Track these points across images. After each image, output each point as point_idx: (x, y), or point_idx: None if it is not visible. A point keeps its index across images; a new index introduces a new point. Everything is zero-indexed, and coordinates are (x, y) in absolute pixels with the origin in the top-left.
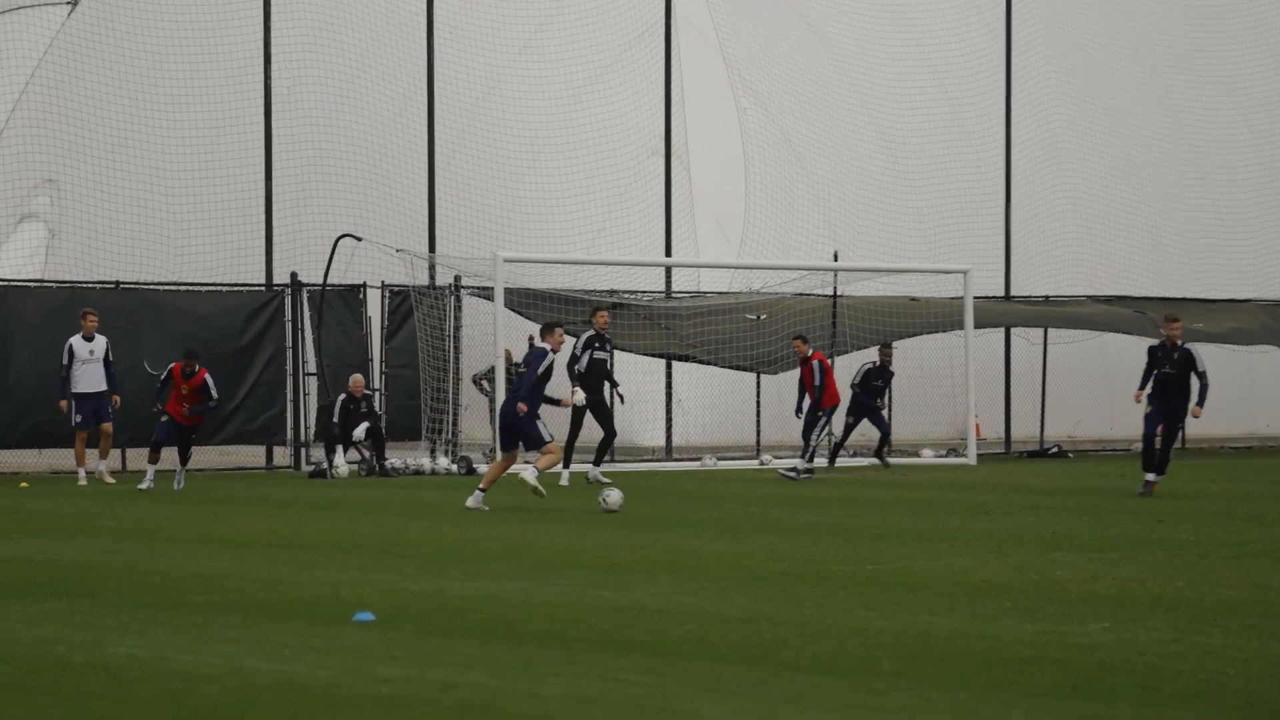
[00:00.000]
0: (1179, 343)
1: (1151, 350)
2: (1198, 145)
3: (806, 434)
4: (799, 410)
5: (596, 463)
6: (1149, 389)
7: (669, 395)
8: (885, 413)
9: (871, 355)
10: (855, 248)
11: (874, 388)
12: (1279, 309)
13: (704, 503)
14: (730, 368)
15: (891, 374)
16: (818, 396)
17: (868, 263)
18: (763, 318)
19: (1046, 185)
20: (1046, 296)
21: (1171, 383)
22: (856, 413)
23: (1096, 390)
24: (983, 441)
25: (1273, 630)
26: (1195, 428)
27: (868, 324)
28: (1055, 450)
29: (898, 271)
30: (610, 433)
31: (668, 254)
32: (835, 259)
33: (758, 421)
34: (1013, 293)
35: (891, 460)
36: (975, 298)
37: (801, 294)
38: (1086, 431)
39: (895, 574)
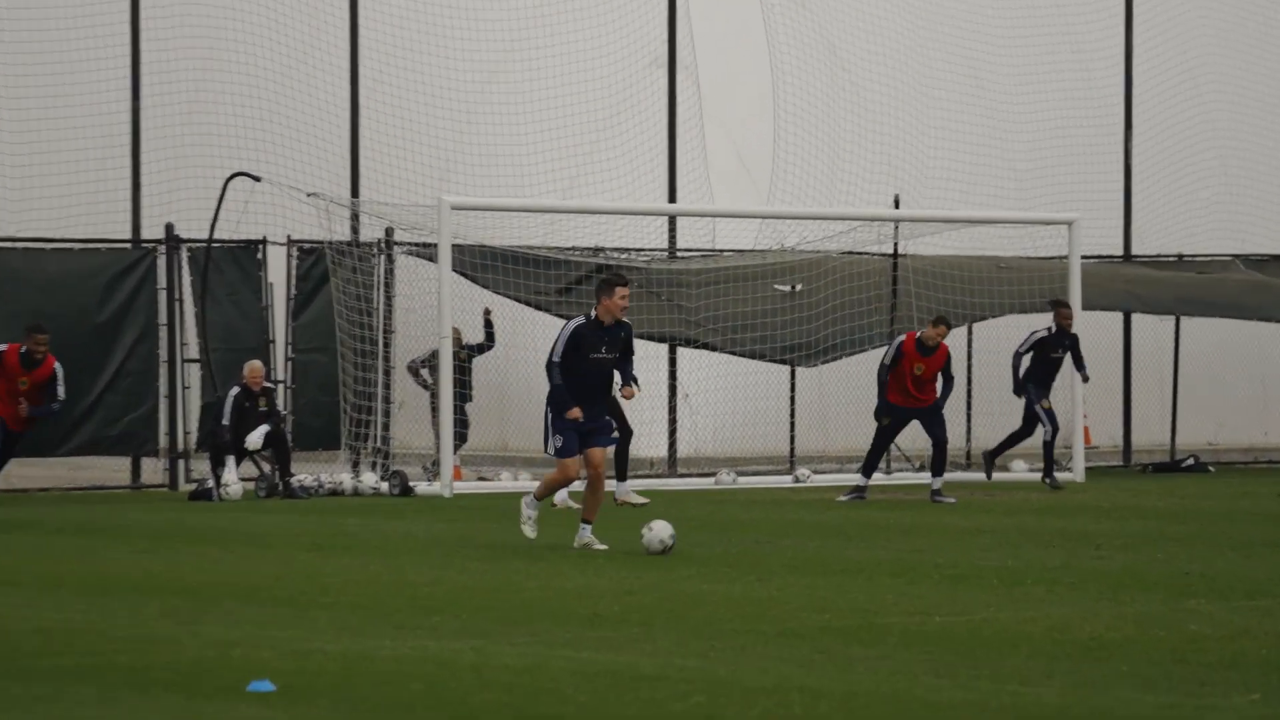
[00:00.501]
0: None
1: None
2: None
3: (943, 433)
4: (884, 412)
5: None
6: None
7: (672, 391)
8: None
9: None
10: (921, 192)
11: (1052, 361)
12: None
13: (718, 532)
14: (751, 355)
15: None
16: (950, 389)
17: (938, 211)
18: (798, 288)
19: (1179, 109)
20: (1180, 255)
21: None
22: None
23: (1246, 382)
24: (1093, 450)
25: None
26: None
27: (940, 294)
28: (1190, 462)
29: (979, 223)
30: (628, 432)
31: (671, 199)
32: (895, 206)
33: (791, 426)
34: (1134, 252)
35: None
36: (1084, 258)
37: (850, 252)
38: (1232, 437)
39: (974, 628)
